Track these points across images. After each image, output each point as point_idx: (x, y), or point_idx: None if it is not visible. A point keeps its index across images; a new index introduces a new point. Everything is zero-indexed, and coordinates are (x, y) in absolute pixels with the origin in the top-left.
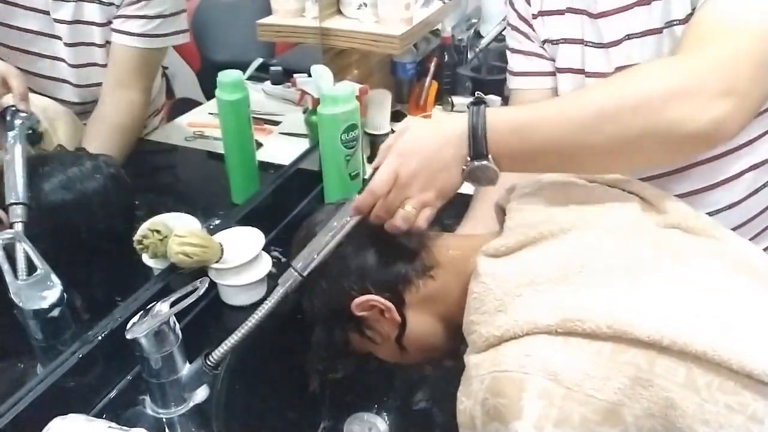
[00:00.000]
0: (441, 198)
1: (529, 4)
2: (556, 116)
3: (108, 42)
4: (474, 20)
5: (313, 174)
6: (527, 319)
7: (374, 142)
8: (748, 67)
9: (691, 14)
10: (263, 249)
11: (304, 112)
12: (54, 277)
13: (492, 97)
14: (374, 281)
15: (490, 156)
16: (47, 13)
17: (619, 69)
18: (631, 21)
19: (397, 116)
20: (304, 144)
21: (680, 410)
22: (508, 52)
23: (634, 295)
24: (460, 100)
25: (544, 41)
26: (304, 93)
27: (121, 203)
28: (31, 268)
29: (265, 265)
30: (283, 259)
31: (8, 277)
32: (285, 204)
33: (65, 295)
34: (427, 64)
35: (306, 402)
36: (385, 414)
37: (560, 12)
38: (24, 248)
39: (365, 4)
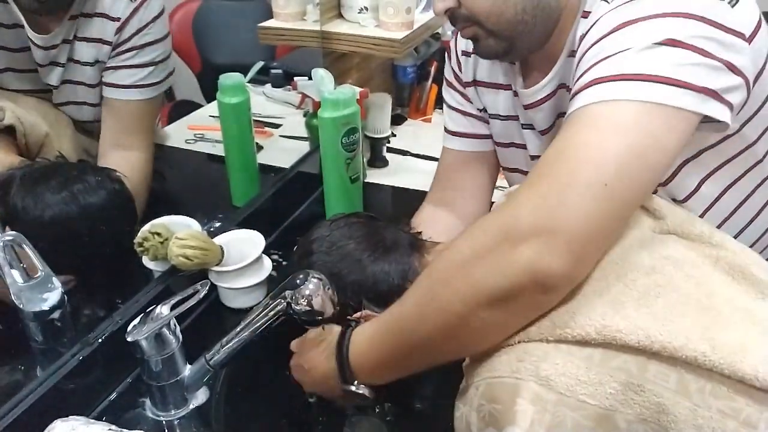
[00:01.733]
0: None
1: (460, 70)
2: (397, 316)
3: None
4: None
5: (314, 177)
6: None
7: (375, 145)
8: (570, 197)
9: None
10: (263, 252)
11: (305, 115)
12: (55, 280)
13: None
14: (369, 294)
15: (356, 382)
16: (36, 71)
17: None
18: (557, 104)
19: (397, 120)
20: (304, 147)
21: (672, 415)
22: (445, 107)
23: (625, 301)
24: None
25: (481, 109)
26: (304, 96)
27: (124, 217)
28: (30, 270)
29: (266, 268)
30: (284, 262)
31: (8, 279)
32: (285, 207)
33: (66, 297)
34: (428, 68)
35: (305, 404)
36: (384, 417)
37: (494, 86)
38: (25, 250)
39: (366, 8)
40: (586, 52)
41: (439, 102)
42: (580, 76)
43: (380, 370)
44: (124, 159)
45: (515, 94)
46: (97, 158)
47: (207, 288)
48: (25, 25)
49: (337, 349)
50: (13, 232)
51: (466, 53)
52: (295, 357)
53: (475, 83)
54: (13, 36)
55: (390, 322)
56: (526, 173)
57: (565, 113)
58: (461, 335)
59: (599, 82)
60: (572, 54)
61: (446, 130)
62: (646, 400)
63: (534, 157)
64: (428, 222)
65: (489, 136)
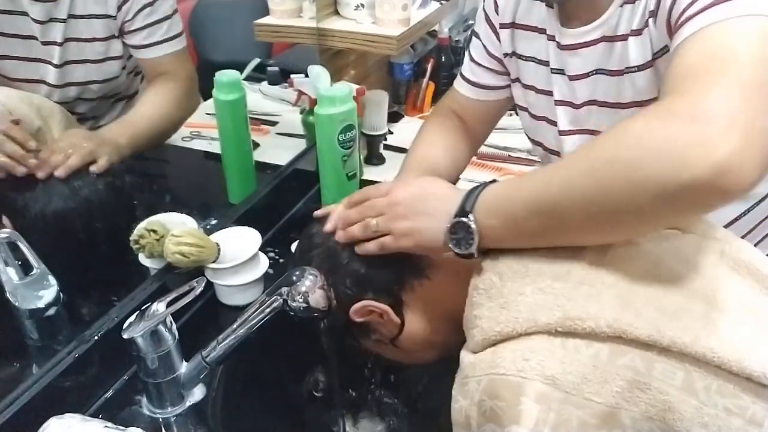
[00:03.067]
0: (410, 239)
1: (497, 12)
2: (539, 179)
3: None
4: (471, 21)
5: (310, 174)
6: (527, 316)
7: (371, 142)
8: (749, 96)
9: (650, 62)
10: (260, 249)
11: (301, 113)
12: (50, 277)
13: None
14: (371, 286)
15: (471, 216)
16: (34, 38)
17: (586, 103)
18: (597, 56)
19: (394, 117)
20: (301, 144)
21: (678, 413)
22: (466, 59)
23: (635, 296)
24: None
25: (508, 54)
26: (301, 93)
27: (121, 213)
28: (27, 267)
29: (262, 265)
30: (281, 260)
31: (4, 276)
32: (282, 204)
33: (61, 294)
34: (424, 65)
35: (303, 402)
36: (383, 414)
37: (533, 29)
38: (21, 248)
39: (362, 5)
40: None
41: (436, 99)
42: (690, 3)
43: (494, 225)
44: (167, 84)
45: (550, 38)
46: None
47: (203, 285)
48: None
49: (471, 188)
50: (8, 230)
51: None
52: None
53: (513, 25)
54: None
55: (529, 183)
56: (551, 122)
57: (602, 71)
58: (609, 220)
59: (718, 3)
60: (630, 1)
61: (461, 75)
62: (652, 398)
63: (559, 103)
64: (446, 122)
65: (502, 88)
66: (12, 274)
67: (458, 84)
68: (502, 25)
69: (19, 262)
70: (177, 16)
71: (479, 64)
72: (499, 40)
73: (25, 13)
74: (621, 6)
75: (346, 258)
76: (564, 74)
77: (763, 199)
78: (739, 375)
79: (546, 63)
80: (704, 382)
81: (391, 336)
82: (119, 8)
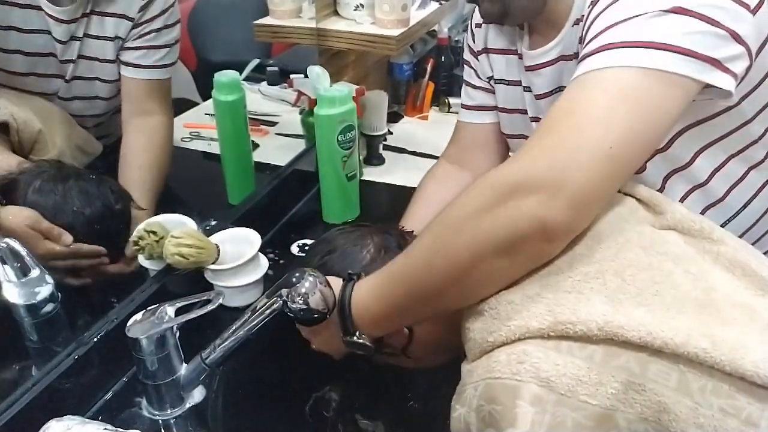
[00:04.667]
0: (337, 354)
1: (473, 41)
2: (403, 265)
3: (114, 79)
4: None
5: (310, 175)
6: (519, 323)
7: (371, 143)
8: (578, 156)
9: None
10: (260, 250)
11: (301, 113)
12: (48, 277)
13: None
14: None
15: (357, 333)
16: (54, 55)
17: None
18: (557, 75)
19: (393, 117)
20: (300, 145)
21: (673, 414)
22: (463, 85)
23: (623, 298)
24: (457, 101)
25: (489, 78)
26: (300, 94)
27: (120, 230)
28: (24, 269)
29: (262, 266)
30: (281, 261)
31: (2, 277)
32: (281, 205)
33: (59, 294)
34: (424, 65)
35: (302, 404)
36: (380, 416)
37: (502, 52)
38: (17, 249)
39: (362, 5)
40: (597, 17)
41: (436, 99)
42: (591, 40)
43: (383, 320)
44: (146, 123)
45: (520, 57)
46: (122, 126)
47: (220, 300)
48: (44, 0)
49: (339, 301)
50: (7, 240)
51: (478, 25)
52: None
53: (486, 50)
54: (24, 16)
55: (396, 272)
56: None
57: (563, 87)
58: (468, 284)
59: (608, 48)
60: (578, 22)
61: (462, 105)
62: (647, 399)
63: (533, 119)
64: (442, 177)
65: (494, 108)
66: (10, 275)
67: (460, 116)
68: (479, 52)
69: (18, 264)
70: (177, 47)
71: (474, 86)
72: (478, 72)
73: (47, 32)
74: (572, 26)
75: (351, 267)
76: (531, 92)
77: (739, 212)
78: (734, 375)
79: (519, 83)
80: (699, 382)
81: (401, 346)
82: (130, 30)
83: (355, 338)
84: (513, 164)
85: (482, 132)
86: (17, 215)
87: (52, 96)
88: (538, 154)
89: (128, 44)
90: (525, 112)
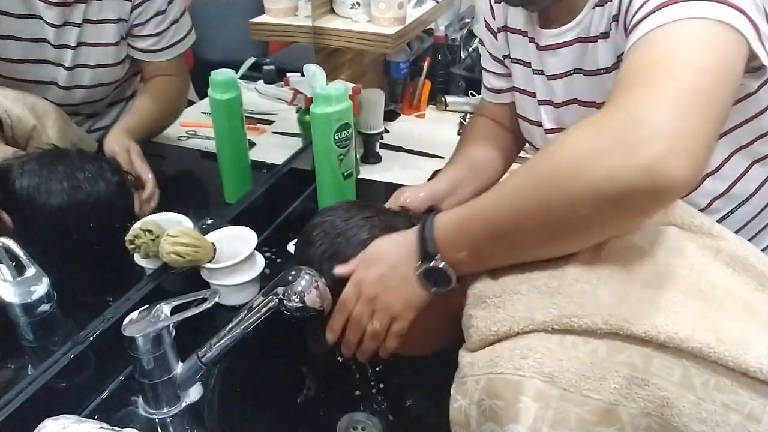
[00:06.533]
0: (409, 309)
1: (494, 17)
2: (489, 205)
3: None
4: (467, 19)
5: (306, 173)
6: (524, 315)
7: (368, 141)
8: (679, 103)
9: (615, 64)
10: (256, 248)
11: (297, 112)
12: (44, 279)
13: None
14: None
15: (438, 256)
16: (46, 41)
17: (566, 102)
18: (573, 56)
19: (390, 115)
20: (297, 143)
21: (676, 409)
22: (483, 69)
23: (630, 292)
24: (453, 100)
25: (505, 56)
26: (297, 92)
27: (121, 210)
28: (20, 268)
29: (258, 264)
30: (278, 260)
31: None
32: (278, 203)
33: (54, 293)
34: (421, 63)
35: (299, 401)
36: (378, 413)
37: (518, 32)
38: (12, 248)
39: (358, 3)
40: None
41: (433, 97)
42: (640, 6)
43: (462, 258)
44: (165, 82)
45: (530, 41)
46: (144, 81)
47: (216, 298)
48: None
49: (419, 229)
50: (2, 239)
51: (498, 0)
52: (349, 265)
53: (506, 29)
54: (13, 1)
55: (481, 211)
56: (535, 122)
57: (581, 70)
58: (559, 234)
59: (668, 4)
60: (600, 3)
61: (484, 86)
62: (650, 394)
63: (542, 102)
64: (487, 128)
65: (510, 89)
66: (6, 274)
67: (484, 94)
68: (498, 29)
69: (14, 263)
70: (185, 17)
71: (488, 71)
72: (498, 42)
73: (38, 17)
74: (593, 8)
75: (351, 255)
76: (543, 74)
77: (748, 199)
78: (736, 370)
79: (529, 65)
80: (702, 377)
81: None
82: (131, 11)
83: (434, 263)
84: (617, 111)
85: (506, 110)
86: None
87: (50, 85)
88: (643, 102)
89: (138, 31)
90: (533, 94)
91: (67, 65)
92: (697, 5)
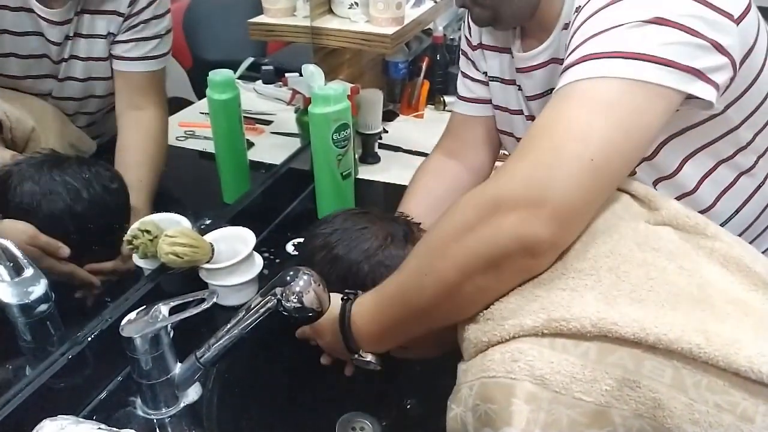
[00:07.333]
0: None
1: (470, 34)
2: (395, 287)
3: (108, 77)
4: None
5: (305, 173)
6: (513, 321)
7: (366, 141)
8: (563, 170)
9: None
10: (254, 249)
11: (296, 112)
12: (41, 279)
13: None
14: (372, 282)
15: (361, 351)
16: (47, 56)
17: None
18: (548, 77)
19: (388, 115)
20: (295, 143)
21: (668, 410)
22: (459, 75)
23: (618, 294)
24: (452, 100)
25: (484, 73)
26: (295, 92)
27: (116, 216)
28: (18, 269)
29: (257, 265)
30: (276, 260)
31: None
32: (276, 204)
33: (52, 293)
34: (419, 64)
35: (297, 402)
36: (377, 415)
37: (496, 49)
38: (10, 249)
39: (356, 4)
40: (580, 26)
41: (431, 98)
42: (573, 50)
43: (382, 338)
44: (139, 118)
45: (512, 57)
46: (116, 119)
47: (214, 299)
48: (35, 3)
49: (339, 321)
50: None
51: None
52: (309, 328)
53: (481, 46)
54: (16, 19)
55: (389, 293)
56: (518, 139)
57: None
58: (457, 301)
59: (589, 59)
60: (567, 27)
61: (459, 96)
62: (641, 396)
63: (529, 118)
64: (437, 170)
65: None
66: (4, 275)
67: (456, 107)
68: (475, 47)
69: (11, 263)
70: (169, 36)
71: (472, 79)
72: (476, 65)
73: (41, 34)
74: (561, 30)
75: (347, 261)
76: (522, 92)
77: (729, 219)
78: (728, 371)
79: (512, 82)
80: (694, 378)
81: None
82: (121, 25)
83: (359, 356)
84: (494, 182)
85: (478, 125)
86: (13, 230)
87: (45, 96)
88: (518, 172)
89: (118, 38)
90: (520, 112)
91: (59, 77)
92: (616, 64)
